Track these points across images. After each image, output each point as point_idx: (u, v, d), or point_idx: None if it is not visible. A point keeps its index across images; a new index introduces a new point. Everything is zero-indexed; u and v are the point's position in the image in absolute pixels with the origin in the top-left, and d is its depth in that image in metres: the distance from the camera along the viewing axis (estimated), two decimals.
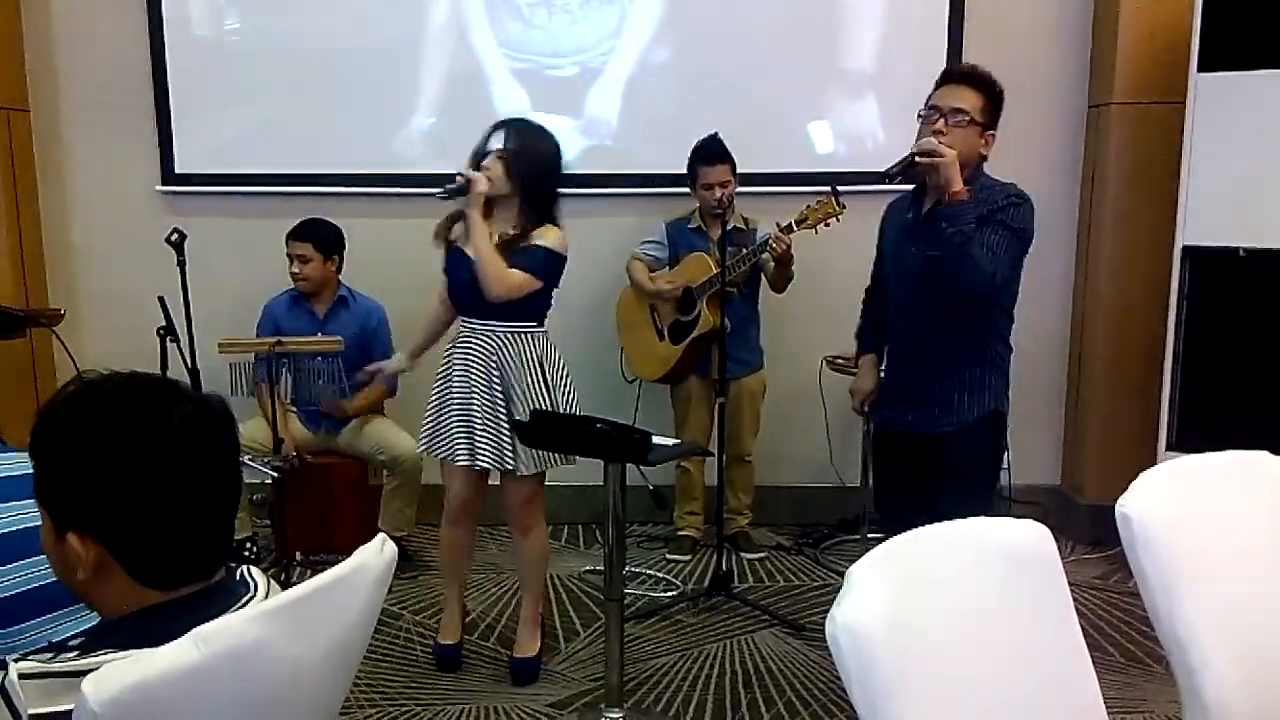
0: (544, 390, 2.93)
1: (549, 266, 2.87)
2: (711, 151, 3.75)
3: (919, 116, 2.60)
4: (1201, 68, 3.43)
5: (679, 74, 4.15)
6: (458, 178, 2.84)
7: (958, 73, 2.62)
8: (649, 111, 4.17)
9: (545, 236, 2.86)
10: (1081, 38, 4.11)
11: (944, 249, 2.45)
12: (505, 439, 2.91)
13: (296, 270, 3.83)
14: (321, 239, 3.85)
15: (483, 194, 2.82)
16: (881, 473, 2.94)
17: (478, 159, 2.90)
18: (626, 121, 4.18)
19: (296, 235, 3.84)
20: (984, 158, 2.59)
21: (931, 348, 2.64)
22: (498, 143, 2.87)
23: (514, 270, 2.83)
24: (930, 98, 2.60)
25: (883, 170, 2.54)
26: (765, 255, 3.61)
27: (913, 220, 2.64)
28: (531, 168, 2.85)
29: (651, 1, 4.18)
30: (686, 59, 4.16)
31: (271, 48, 4.22)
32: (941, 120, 2.51)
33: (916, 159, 2.47)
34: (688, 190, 3.85)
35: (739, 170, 3.77)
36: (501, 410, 2.91)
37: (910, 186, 2.70)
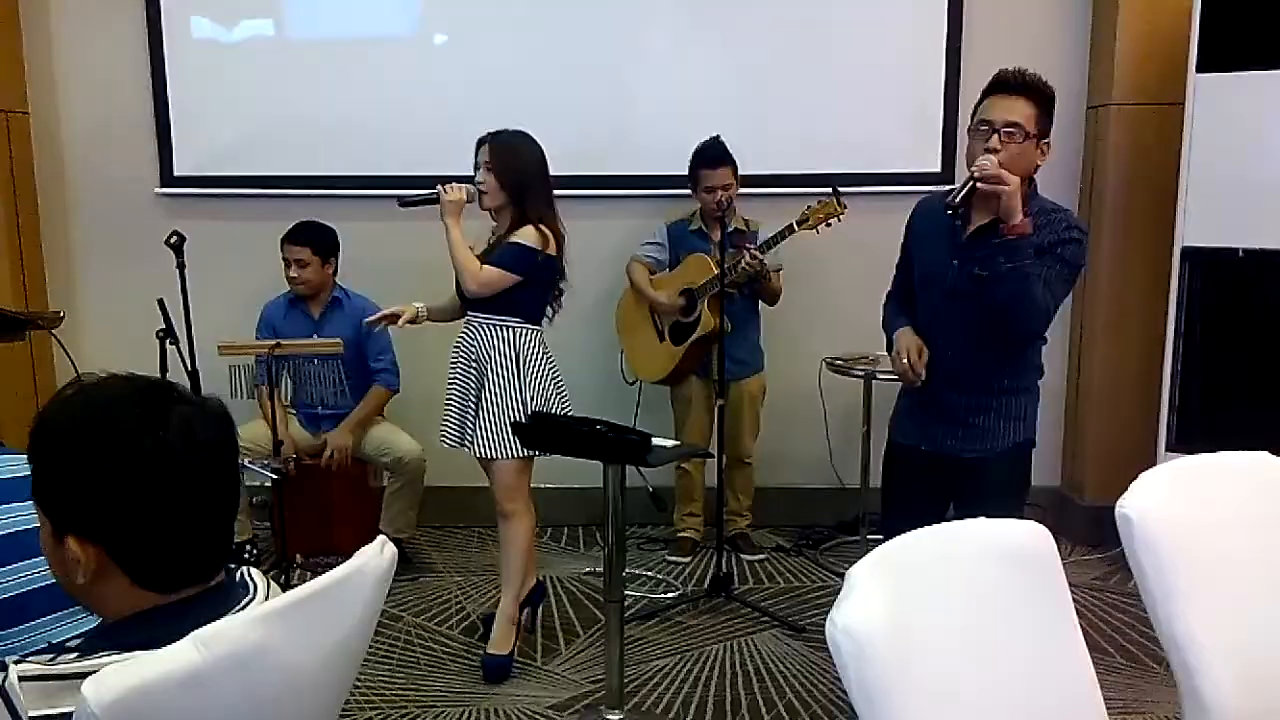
0: (514, 385, 3.02)
1: (520, 259, 2.97)
2: (713, 154, 3.75)
3: (969, 131, 2.47)
4: (1200, 68, 3.43)
5: (680, 76, 4.15)
6: (438, 187, 3.03)
7: (1007, 81, 2.40)
8: (650, 113, 4.16)
9: (522, 235, 2.99)
10: (1080, 39, 4.11)
11: (1000, 284, 2.34)
12: (476, 425, 3.02)
13: (294, 274, 3.82)
14: (318, 242, 3.84)
15: (454, 203, 3.01)
16: (896, 492, 2.73)
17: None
18: (627, 123, 4.18)
19: (292, 239, 3.83)
20: (1038, 168, 2.44)
21: (968, 367, 2.51)
22: (484, 156, 3.02)
23: (487, 266, 3.00)
24: (979, 109, 2.43)
25: (945, 201, 2.37)
26: (741, 269, 3.56)
27: (958, 232, 2.49)
28: (512, 175, 3.00)
29: (653, 4, 4.19)
30: (688, 61, 4.16)
31: (270, 51, 4.23)
32: (995, 137, 2.35)
33: (978, 184, 2.32)
34: (688, 192, 3.85)
35: (740, 172, 3.77)
36: (474, 398, 3.05)
37: (949, 187, 2.55)
